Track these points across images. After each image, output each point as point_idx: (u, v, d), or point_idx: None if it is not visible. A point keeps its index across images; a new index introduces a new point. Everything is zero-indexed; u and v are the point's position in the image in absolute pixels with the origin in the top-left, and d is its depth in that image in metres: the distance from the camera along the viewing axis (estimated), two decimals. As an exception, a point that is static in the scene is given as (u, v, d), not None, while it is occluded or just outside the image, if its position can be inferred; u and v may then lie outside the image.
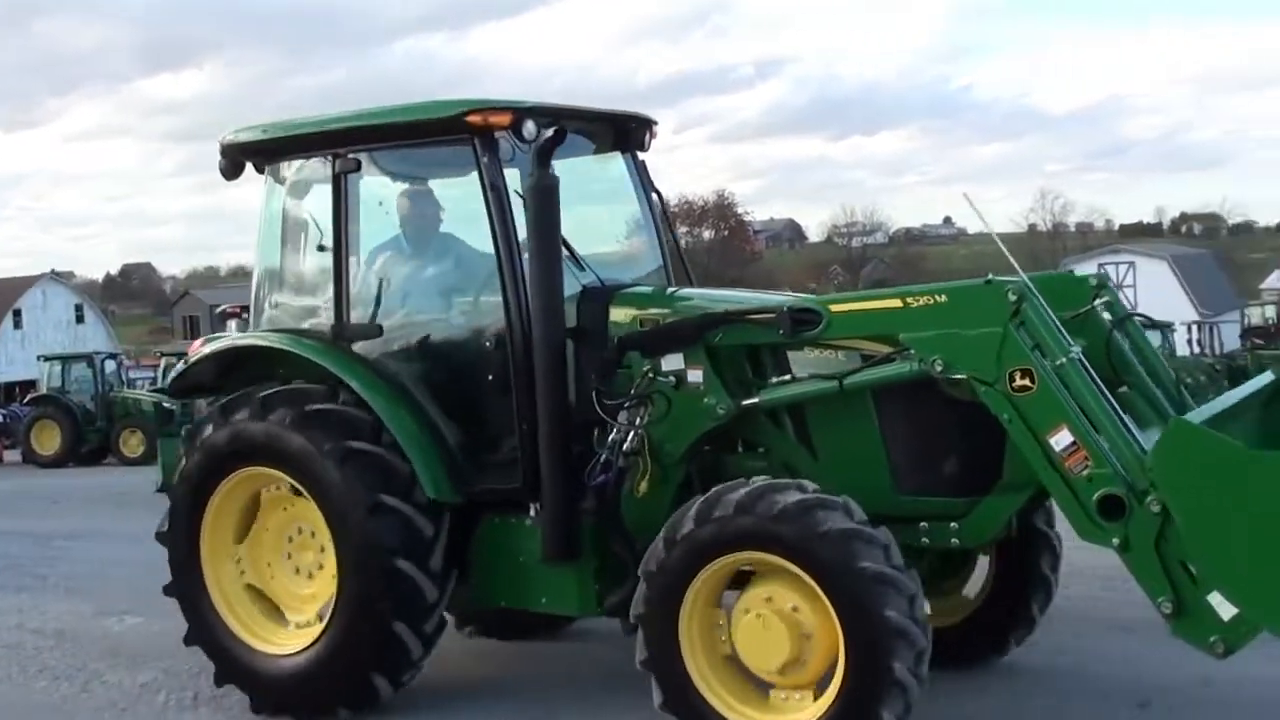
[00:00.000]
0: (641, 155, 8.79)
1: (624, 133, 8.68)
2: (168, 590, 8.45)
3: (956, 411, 6.80)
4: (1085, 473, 6.23)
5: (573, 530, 7.40)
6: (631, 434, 7.31)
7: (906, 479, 6.99)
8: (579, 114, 8.27)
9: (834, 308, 7.11)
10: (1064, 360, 6.40)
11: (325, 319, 8.25)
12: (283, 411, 7.80)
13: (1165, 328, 29.57)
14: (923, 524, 6.84)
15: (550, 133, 7.36)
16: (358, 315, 8.09)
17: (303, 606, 8.24)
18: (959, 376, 6.55)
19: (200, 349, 9.38)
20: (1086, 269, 33.94)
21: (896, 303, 6.90)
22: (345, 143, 8.04)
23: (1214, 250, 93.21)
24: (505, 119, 7.54)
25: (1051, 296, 6.78)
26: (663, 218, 8.83)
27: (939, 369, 6.60)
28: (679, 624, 6.66)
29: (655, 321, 7.55)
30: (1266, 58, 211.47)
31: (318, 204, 8.41)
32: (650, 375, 7.35)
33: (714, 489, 6.67)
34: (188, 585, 8.31)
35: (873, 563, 6.20)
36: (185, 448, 8.57)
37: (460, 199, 8.30)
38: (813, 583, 6.32)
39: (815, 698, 6.52)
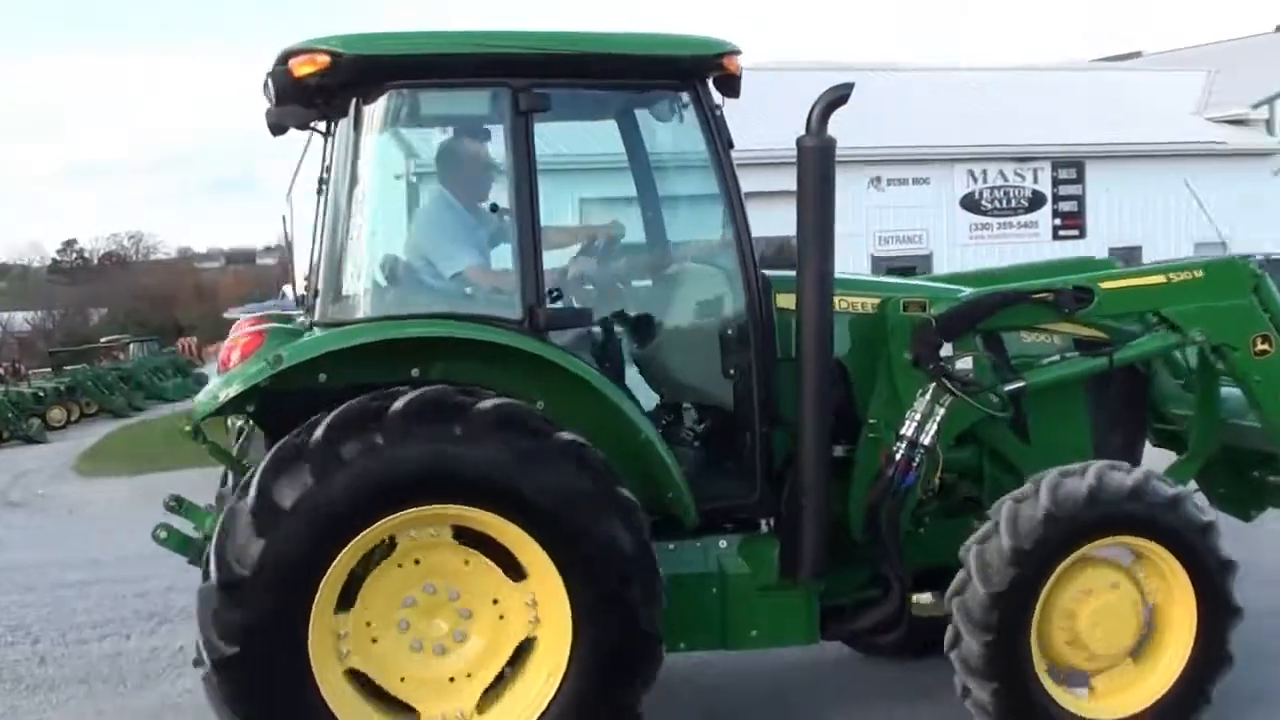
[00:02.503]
0: None
1: None
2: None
3: (1133, 387, 7.52)
4: None
5: (830, 543, 6.52)
6: (933, 428, 6.61)
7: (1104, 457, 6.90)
8: None
9: (1104, 285, 7.06)
10: None
11: (489, 301, 6.51)
12: (446, 424, 5.79)
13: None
14: None
15: (848, 89, 6.33)
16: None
17: (447, 694, 6.15)
18: (1212, 345, 7.03)
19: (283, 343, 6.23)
20: None
21: (1161, 279, 7.14)
22: (531, 73, 6.28)
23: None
24: (738, 66, 6.51)
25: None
26: None
27: (1200, 339, 7.04)
28: (1035, 607, 6.40)
29: (919, 305, 6.83)
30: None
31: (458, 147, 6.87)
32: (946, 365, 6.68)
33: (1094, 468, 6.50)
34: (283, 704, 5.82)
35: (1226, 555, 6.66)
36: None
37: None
38: (1184, 574, 6.55)
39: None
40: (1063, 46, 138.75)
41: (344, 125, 6.34)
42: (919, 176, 28.28)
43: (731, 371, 6.64)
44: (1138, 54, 46.97)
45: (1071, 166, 29.32)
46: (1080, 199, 29.70)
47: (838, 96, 6.27)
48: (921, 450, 6.58)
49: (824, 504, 6.42)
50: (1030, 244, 28.54)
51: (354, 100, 6.26)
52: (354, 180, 6.32)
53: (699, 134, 6.52)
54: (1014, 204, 29.18)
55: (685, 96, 6.55)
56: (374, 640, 6.05)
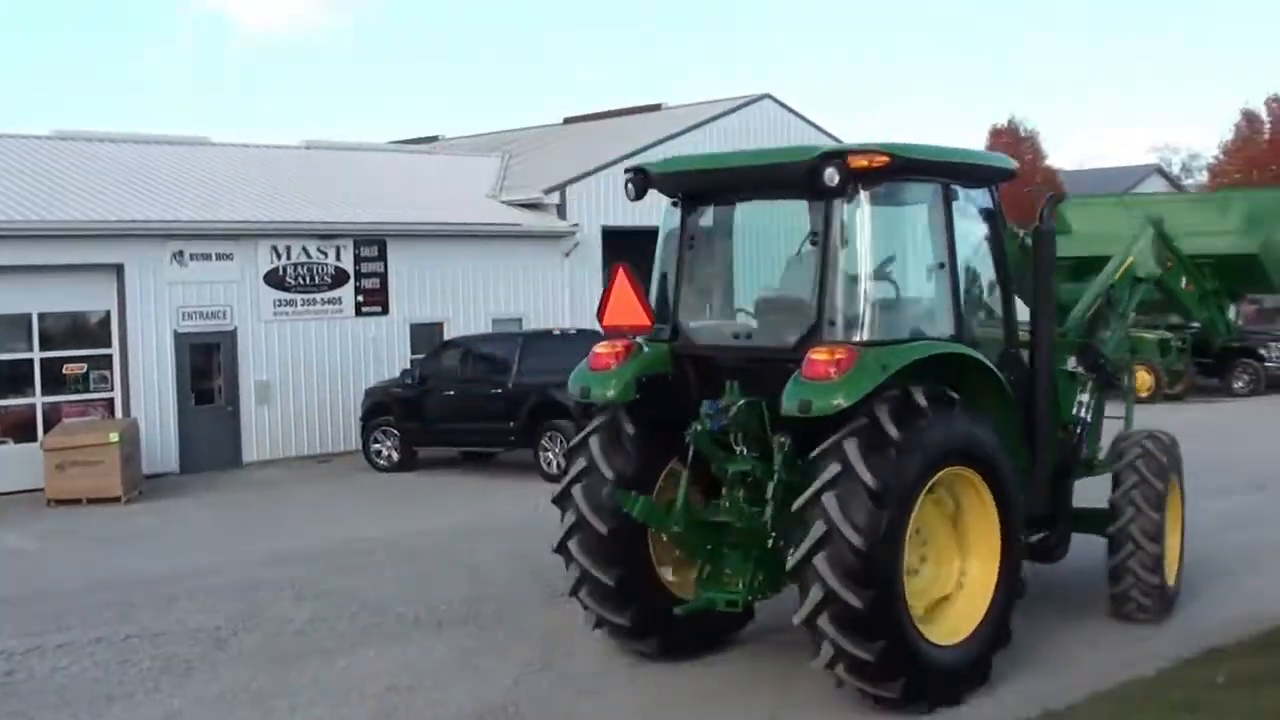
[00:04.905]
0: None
1: None
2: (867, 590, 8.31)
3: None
4: (1194, 292, 13.18)
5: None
6: (1090, 411, 10.73)
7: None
8: None
9: (1115, 276, 11.23)
10: (1176, 247, 12.67)
11: (935, 326, 8.71)
12: (949, 409, 8.40)
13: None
14: None
15: (1053, 199, 9.82)
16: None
17: (915, 602, 8.64)
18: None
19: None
20: None
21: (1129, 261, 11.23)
22: (951, 174, 8.52)
23: None
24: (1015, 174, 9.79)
25: None
26: None
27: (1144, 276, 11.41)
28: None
29: (1063, 334, 10.31)
30: None
31: (902, 223, 8.92)
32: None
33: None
34: (885, 596, 8.37)
35: None
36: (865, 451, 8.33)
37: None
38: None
39: None
40: (360, 129, 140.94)
41: (840, 201, 8.28)
42: (222, 252, 27.26)
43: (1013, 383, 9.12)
44: (435, 139, 48.29)
45: (374, 244, 29.49)
46: (383, 276, 29.98)
47: (1060, 197, 10.07)
48: (1087, 425, 10.04)
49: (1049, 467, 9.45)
50: (335, 320, 28.39)
51: (854, 184, 8.16)
52: (850, 241, 8.33)
53: (989, 218, 9.07)
54: (318, 280, 28.99)
55: (988, 192, 9.08)
56: None
